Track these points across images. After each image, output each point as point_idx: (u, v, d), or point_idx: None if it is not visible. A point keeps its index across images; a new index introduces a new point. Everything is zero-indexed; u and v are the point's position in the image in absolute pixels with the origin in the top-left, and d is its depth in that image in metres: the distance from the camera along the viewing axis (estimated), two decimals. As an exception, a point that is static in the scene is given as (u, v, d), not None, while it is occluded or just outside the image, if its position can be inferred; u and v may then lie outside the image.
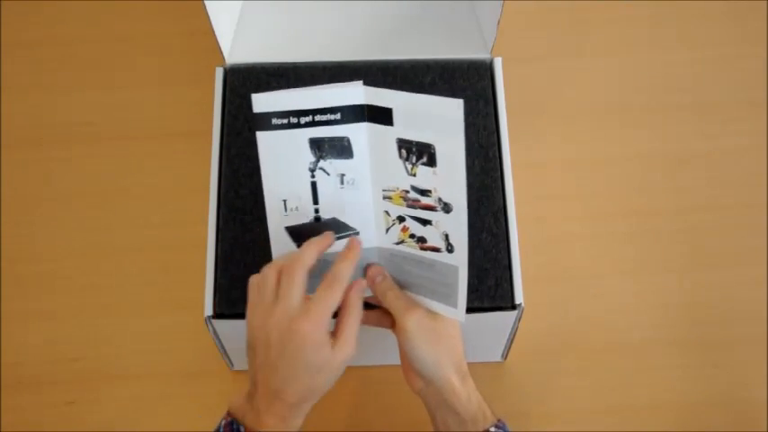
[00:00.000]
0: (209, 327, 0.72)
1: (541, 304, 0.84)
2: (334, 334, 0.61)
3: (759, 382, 0.84)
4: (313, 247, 0.62)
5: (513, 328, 0.77)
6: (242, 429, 0.61)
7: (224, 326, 0.72)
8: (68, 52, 1.02)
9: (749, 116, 0.98)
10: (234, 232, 0.74)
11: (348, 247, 0.63)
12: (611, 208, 0.93)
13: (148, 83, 1.00)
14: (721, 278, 0.89)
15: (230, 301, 0.71)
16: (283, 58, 0.82)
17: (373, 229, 0.66)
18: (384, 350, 0.75)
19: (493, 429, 0.63)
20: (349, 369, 0.83)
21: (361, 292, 0.63)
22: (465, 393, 0.64)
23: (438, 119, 0.60)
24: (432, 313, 0.65)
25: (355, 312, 0.62)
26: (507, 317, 0.74)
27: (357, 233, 0.66)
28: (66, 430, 0.82)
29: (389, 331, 0.69)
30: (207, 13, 0.75)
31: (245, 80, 0.81)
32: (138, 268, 0.89)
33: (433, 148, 0.61)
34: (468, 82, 0.81)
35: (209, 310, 0.71)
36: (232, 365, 0.83)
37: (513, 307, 0.72)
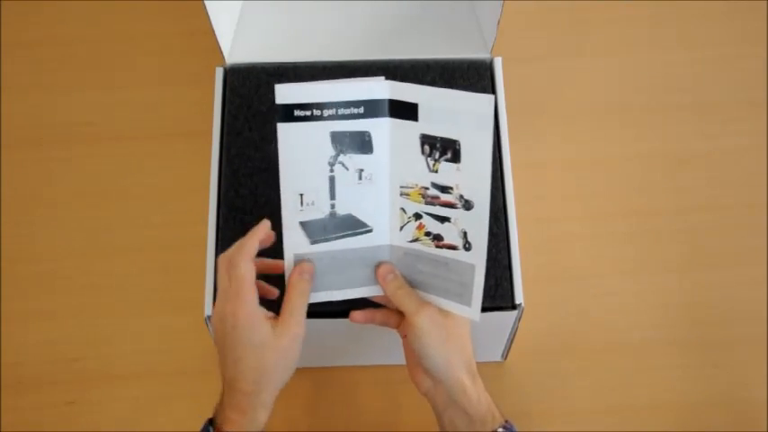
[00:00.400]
0: (210, 327, 0.72)
1: (541, 304, 0.84)
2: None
3: (759, 382, 0.84)
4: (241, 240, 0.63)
5: (513, 328, 0.77)
6: (210, 429, 0.62)
7: (224, 326, 0.72)
8: (68, 52, 1.02)
9: (749, 116, 0.98)
10: (234, 232, 0.74)
11: (255, 228, 0.64)
12: (611, 208, 0.93)
13: (148, 83, 1.00)
14: (721, 278, 0.89)
15: (230, 301, 0.71)
16: (283, 58, 0.82)
17: (387, 227, 0.66)
18: (389, 350, 0.75)
19: (501, 430, 0.63)
20: (353, 369, 0.84)
21: (305, 274, 0.64)
22: (475, 394, 0.64)
23: (466, 114, 0.60)
24: (443, 312, 0.65)
25: (294, 292, 0.62)
26: (507, 317, 0.74)
27: (371, 230, 0.66)
28: (66, 430, 0.82)
29: (393, 331, 0.68)
30: (207, 13, 0.75)
31: (245, 80, 0.81)
32: (138, 268, 0.89)
33: (459, 144, 0.61)
34: (468, 82, 0.81)
35: (209, 310, 0.71)
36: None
37: (514, 307, 0.72)
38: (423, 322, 0.63)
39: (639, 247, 0.91)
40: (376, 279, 0.67)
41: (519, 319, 0.74)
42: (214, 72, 0.81)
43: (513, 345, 0.81)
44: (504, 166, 0.77)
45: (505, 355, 0.84)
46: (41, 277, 0.89)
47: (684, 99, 0.99)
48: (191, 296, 0.75)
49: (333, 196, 0.65)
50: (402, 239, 0.66)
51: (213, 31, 0.77)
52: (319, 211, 0.65)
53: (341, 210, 0.65)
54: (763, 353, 0.85)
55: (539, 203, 0.92)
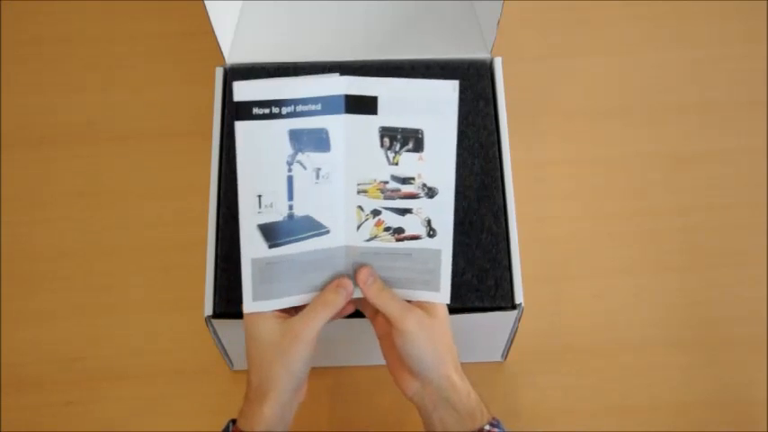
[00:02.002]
0: (210, 327, 0.72)
1: (541, 304, 0.84)
2: None
3: (759, 382, 0.84)
4: None
5: (513, 328, 0.77)
6: (230, 426, 0.63)
7: (224, 326, 0.72)
8: (68, 52, 1.02)
9: (749, 116, 0.98)
10: (234, 232, 0.73)
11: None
12: (611, 208, 0.93)
13: (148, 83, 1.00)
14: (721, 278, 0.89)
15: (230, 301, 0.71)
16: (283, 58, 0.82)
17: (343, 227, 0.66)
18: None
19: (487, 428, 0.63)
20: (353, 368, 0.84)
21: (341, 289, 0.64)
22: (465, 389, 0.64)
23: (430, 102, 0.61)
24: (427, 312, 0.64)
25: (319, 299, 0.63)
26: (507, 317, 0.74)
27: (328, 231, 0.65)
28: (66, 430, 0.82)
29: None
30: (207, 13, 0.75)
31: (245, 80, 0.81)
32: (138, 268, 0.89)
33: (421, 133, 0.62)
34: (468, 82, 0.81)
35: (209, 310, 0.71)
36: (232, 365, 0.83)
37: (513, 307, 0.72)
38: (411, 327, 0.62)
39: (639, 247, 0.91)
40: (354, 284, 0.66)
41: (519, 319, 0.74)
42: (214, 72, 0.81)
43: (513, 345, 0.81)
44: (504, 166, 0.77)
45: (505, 355, 0.84)
46: (41, 277, 0.89)
47: (684, 99, 0.99)
48: (191, 296, 0.75)
49: (291, 197, 0.63)
50: (359, 239, 0.66)
51: (213, 31, 0.77)
52: (278, 213, 0.63)
53: (299, 211, 0.64)
54: (763, 353, 0.85)
55: (539, 203, 0.92)
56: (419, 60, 0.82)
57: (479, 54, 0.82)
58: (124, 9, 1.05)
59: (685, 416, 0.83)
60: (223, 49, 0.81)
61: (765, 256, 0.90)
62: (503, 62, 0.81)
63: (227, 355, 0.80)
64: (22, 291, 0.88)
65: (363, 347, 0.80)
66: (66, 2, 1.05)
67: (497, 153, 0.77)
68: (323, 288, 0.65)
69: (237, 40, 0.84)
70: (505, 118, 0.79)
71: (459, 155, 0.76)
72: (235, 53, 0.83)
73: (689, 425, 0.82)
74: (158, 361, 0.85)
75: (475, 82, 0.81)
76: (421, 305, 0.65)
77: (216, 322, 0.72)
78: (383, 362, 0.82)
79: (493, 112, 0.79)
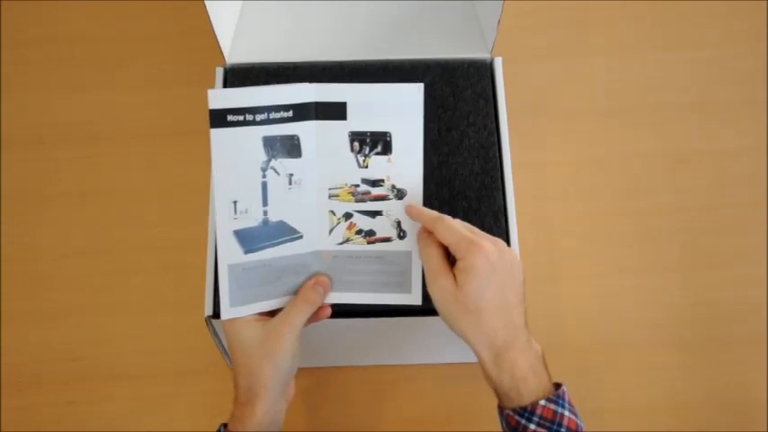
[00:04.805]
0: (209, 327, 0.72)
1: (541, 304, 0.84)
2: None
3: (759, 382, 0.84)
4: None
5: (513, 328, 0.77)
6: (222, 430, 0.64)
7: (224, 326, 0.72)
8: (68, 52, 1.02)
9: (749, 116, 0.98)
10: (234, 232, 0.74)
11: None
12: (611, 208, 0.93)
13: (148, 83, 1.00)
14: (721, 278, 0.89)
15: (230, 301, 0.71)
16: (283, 58, 0.82)
17: (316, 232, 0.66)
18: (388, 351, 0.75)
19: (543, 402, 0.61)
20: (351, 369, 0.84)
21: (318, 287, 0.65)
22: (495, 371, 0.61)
23: (396, 105, 0.63)
24: (458, 285, 0.60)
25: (299, 298, 0.64)
26: (507, 317, 0.73)
27: (301, 237, 0.66)
28: (66, 430, 0.82)
29: (391, 333, 0.68)
30: (207, 13, 0.75)
31: (245, 80, 0.81)
32: (138, 268, 0.89)
33: (389, 136, 0.64)
34: (468, 82, 0.81)
35: (209, 310, 0.71)
36: (232, 365, 0.83)
37: (513, 307, 0.72)
38: (433, 293, 0.61)
39: (639, 247, 0.91)
40: None
41: (519, 319, 0.74)
42: (214, 72, 0.81)
43: (513, 345, 0.81)
44: (504, 166, 0.77)
45: (505, 355, 0.84)
46: (41, 277, 0.89)
47: (684, 99, 0.99)
48: (191, 296, 0.75)
49: (265, 203, 0.65)
50: (331, 243, 0.67)
51: (213, 31, 0.77)
52: (252, 219, 0.65)
53: (273, 216, 0.65)
54: (763, 353, 0.85)
55: (539, 203, 0.92)
56: (419, 60, 0.82)
57: (479, 54, 0.82)
58: (124, 9, 1.05)
59: (685, 416, 0.83)
60: (223, 49, 0.81)
61: (765, 256, 0.90)
62: (503, 62, 0.81)
63: (227, 355, 0.80)
64: (22, 291, 0.89)
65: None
66: (66, 2, 1.05)
67: (497, 153, 0.77)
68: (299, 287, 0.66)
69: (237, 40, 0.84)
70: (505, 118, 0.79)
71: (459, 155, 0.77)
72: (235, 53, 0.83)
73: (689, 425, 0.82)
74: (158, 361, 0.85)
75: (475, 82, 0.81)
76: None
77: (216, 322, 0.72)
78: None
79: (493, 112, 0.79)
